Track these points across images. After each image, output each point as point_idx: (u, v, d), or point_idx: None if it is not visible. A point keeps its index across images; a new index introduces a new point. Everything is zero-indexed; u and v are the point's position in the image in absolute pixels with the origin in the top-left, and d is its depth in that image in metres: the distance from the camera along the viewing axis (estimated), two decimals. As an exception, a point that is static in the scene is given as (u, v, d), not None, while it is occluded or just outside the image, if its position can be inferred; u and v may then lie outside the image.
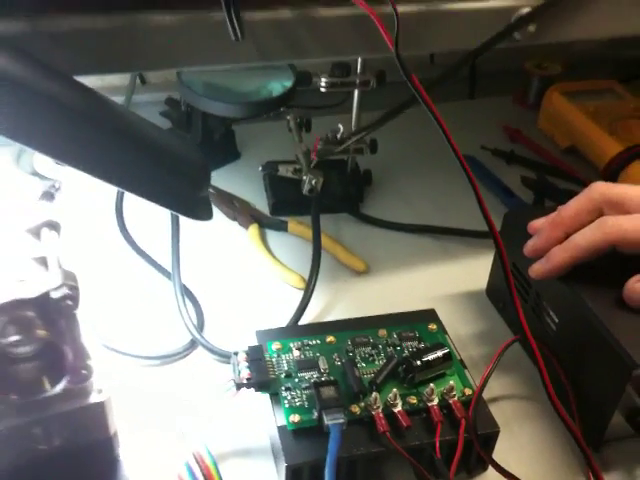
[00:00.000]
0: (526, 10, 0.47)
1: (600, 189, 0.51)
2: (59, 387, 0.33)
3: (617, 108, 0.83)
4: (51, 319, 0.32)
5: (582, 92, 0.86)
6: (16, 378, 0.32)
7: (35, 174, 0.72)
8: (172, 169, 0.44)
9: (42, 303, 0.31)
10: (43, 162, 0.71)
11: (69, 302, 0.31)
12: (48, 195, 0.68)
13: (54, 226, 0.37)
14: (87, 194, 0.66)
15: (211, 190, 0.71)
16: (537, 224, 0.54)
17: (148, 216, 0.64)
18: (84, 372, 0.34)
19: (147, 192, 0.44)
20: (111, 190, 0.69)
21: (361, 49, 0.45)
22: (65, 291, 0.31)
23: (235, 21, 0.36)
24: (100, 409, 0.36)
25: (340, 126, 0.63)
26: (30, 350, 0.32)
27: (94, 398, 0.36)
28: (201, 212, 0.47)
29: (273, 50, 0.43)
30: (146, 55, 0.41)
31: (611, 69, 0.97)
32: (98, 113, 0.42)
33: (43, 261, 0.33)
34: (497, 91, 0.95)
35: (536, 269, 0.50)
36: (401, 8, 0.42)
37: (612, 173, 0.75)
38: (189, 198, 0.46)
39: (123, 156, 0.43)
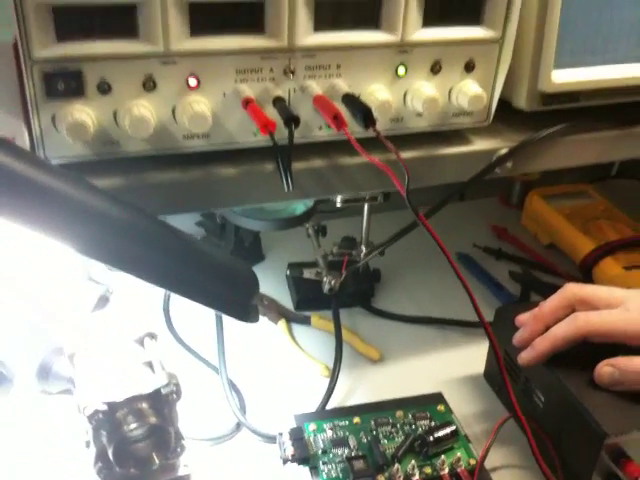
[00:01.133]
0: (503, 151, 0.60)
1: (573, 290, 0.62)
2: (164, 461, 0.43)
3: (589, 209, 0.96)
4: (159, 408, 0.42)
5: (559, 195, 0.99)
6: (134, 455, 0.42)
7: (90, 280, 0.84)
8: (230, 283, 0.55)
9: (154, 397, 0.42)
10: (96, 268, 0.83)
11: (174, 396, 0.42)
12: (104, 299, 0.80)
13: (153, 336, 0.48)
14: (135, 295, 0.77)
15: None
16: (522, 318, 0.65)
17: (189, 313, 0.75)
18: (179, 449, 0.44)
19: (208, 301, 0.55)
20: (159, 292, 0.80)
21: (376, 186, 0.57)
22: (172, 388, 0.42)
23: (288, 177, 0.48)
24: (186, 480, 0.46)
25: (363, 247, 0.76)
26: (144, 432, 0.42)
27: (182, 471, 0.46)
28: (251, 316, 0.58)
29: (310, 190, 0.55)
30: (215, 198, 0.53)
31: (584, 170, 1.10)
32: (169, 239, 0.53)
33: (149, 364, 0.44)
34: (484, 193, 1.08)
35: (523, 357, 0.61)
36: (405, 154, 0.55)
37: (587, 268, 0.87)
38: (242, 305, 0.57)
39: (190, 274, 0.54)
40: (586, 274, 0.87)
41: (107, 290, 0.80)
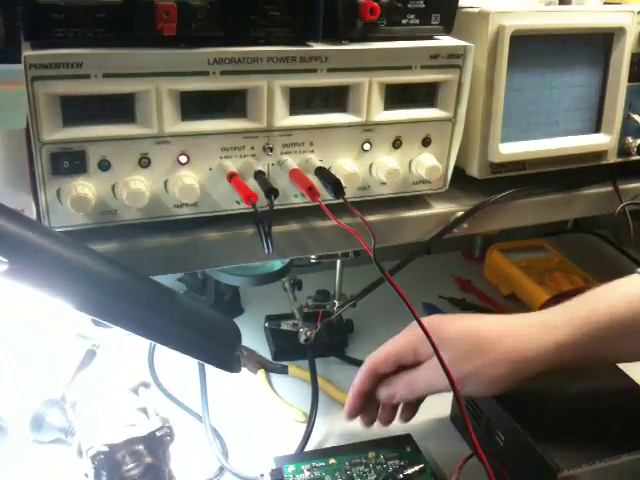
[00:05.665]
0: (460, 214, 0.67)
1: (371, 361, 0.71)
2: (159, 499, 0.48)
3: (545, 262, 1.04)
4: (154, 450, 0.47)
5: (517, 249, 1.07)
6: (131, 494, 0.47)
7: (79, 335, 0.89)
8: (215, 336, 0.61)
9: (149, 439, 0.47)
10: (83, 324, 0.87)
11: (168, 438, 0.47)
12: (91, 353, 0.84)
13: (146, 385, 0.53)
14: (120, 347, 0.81)
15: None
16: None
17: (173, 364, 0.80)
18: (171, 488, 0.49)
19: (194, 353, 0.61)
20: (143, 344, 0.84)
21: (347, 246, 0.64)
22: (165, 430, 0.47)
23: (268, 242, 0.54)
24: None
25: (336, 302, 0.82)
26: (140, 472, 0.47)
27: (174, 509, 0.50)
28: (234, 366, 0.63)
29: (287, 250, 0.61)
30: (201, 260, 0.59)
31: (541, 224, 1.19)
32: (157, 297, 0.59)
33: (144, 410, 0.49)
34: (448, 247, 1.15)
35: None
36: (372, 217, 0.62)
37: (543, 316, 0.93)
38: (226, 357, 0.62)
39: (176, 328, 0.59)
40: (543, 322, 0.94)
41: (94, 344, 0.84)
